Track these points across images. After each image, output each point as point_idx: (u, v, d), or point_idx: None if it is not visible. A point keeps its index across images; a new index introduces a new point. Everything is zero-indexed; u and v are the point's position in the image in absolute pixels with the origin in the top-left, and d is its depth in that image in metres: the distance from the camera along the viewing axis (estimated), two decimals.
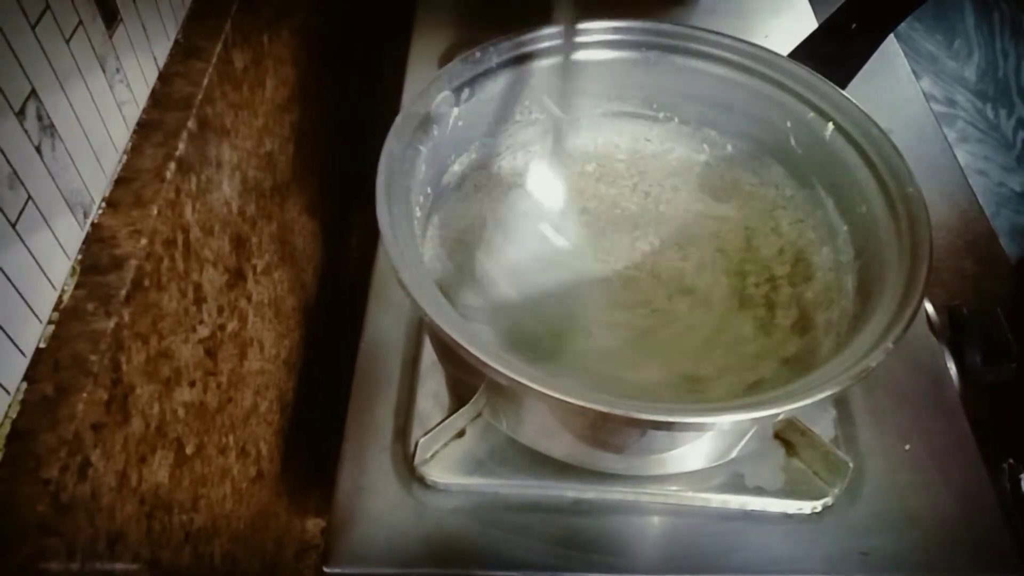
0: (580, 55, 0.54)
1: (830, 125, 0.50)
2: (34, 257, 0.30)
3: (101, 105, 0.35)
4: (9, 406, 0.29)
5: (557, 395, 0.36)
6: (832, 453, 0.47)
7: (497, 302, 0.50)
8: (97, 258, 0.33)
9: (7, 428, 0.28)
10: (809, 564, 0.46)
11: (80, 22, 0.33)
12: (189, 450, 0.40)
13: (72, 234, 0.33)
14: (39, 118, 0.30)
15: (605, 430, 0.43)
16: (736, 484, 0.48)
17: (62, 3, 0.32)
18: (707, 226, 0.55)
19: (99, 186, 0.35)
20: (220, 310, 0.44)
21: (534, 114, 0.56)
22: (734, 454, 0.47)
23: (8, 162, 0.28)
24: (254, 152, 0.50)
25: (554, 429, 0.46)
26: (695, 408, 0.38)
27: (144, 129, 0.39)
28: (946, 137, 0.74)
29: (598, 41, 0.54)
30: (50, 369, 0.30)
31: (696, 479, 0.48)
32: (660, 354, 0.48)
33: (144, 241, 0.34)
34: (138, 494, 0.34)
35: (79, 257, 0.33)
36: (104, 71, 0.35)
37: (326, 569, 0.45)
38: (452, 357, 0.46)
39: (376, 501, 0.47)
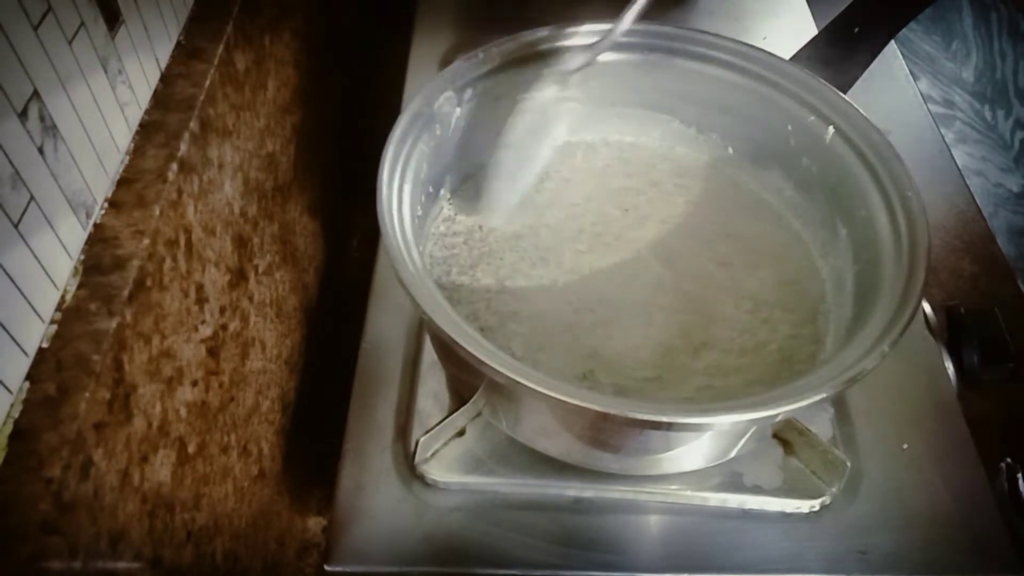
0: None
1: (831, 129, 0.50)
2: (36, 257, 0.30)
3: (103, 106, 0.35)
4: (12, 405, 0.29)
5: (556, 395, 0.36)
6: (830, 452, 0.47)
7: (496, 301, 0.50)
8: (99, 258, 0.34)
9: (10, 427, 0.28)
10: (807, 563, 0.46)
11: (82, 23, 0.33)
12: (191, 449, 0.40)
13: (74, 234, 0.33)
14: (41, 119, 0.30)
15: (603, 430, 0.43)
16: (735, 483, 0.48)
17: (64, 4, 0.32)
18: (707, 228, 0.55)
19: (101, 187, 0.35)
20: (222, 310, 0.44)
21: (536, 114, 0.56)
22: (733, 454, 0.47)
23: (11, 163, 0.28)
24: (256, 153, 0.51)
25: (553, 429, 0.46)
26: (693, 409, 0.38)
27: (146, 130, 0.39)
28: (944, 138, 0.74)
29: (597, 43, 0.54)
30: (52, 368, 0.30)
31: (695, 478, 0.48)
32: (655, 343, 0.49)
33: (146, 241, 0.34)
34: (140, 493, 0.34)
35: (81, 257, 0.33)
36: (106, 72, 0.35)
37: (327, 567, 0.45)
38: (452, 357, 0.46)
39: (377, 500, 0.47)
